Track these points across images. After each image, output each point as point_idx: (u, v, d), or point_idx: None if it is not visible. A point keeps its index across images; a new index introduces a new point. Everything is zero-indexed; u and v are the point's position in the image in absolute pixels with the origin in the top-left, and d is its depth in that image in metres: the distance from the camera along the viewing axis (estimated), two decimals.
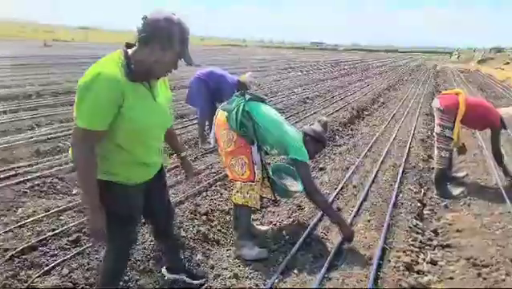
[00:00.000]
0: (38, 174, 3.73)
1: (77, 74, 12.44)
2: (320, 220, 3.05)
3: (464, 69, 25.27)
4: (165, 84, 1.76)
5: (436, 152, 3.89)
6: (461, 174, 4.22)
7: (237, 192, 2.52)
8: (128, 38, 1.64)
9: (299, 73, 17.63)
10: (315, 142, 2.67)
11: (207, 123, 5.11)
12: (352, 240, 2.64)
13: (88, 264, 2.30)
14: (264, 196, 2.81)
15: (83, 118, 1.41)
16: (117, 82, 1.43)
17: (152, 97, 1.58)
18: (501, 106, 4.78)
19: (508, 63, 31.87)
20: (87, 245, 2.51)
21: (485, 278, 2.33)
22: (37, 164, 4.10)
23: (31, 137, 5.13)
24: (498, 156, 3.85)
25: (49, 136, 5.18)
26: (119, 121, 1.47)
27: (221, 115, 2.55)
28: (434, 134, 3.96)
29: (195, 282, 2.23)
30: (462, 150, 4.07)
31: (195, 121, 6.14)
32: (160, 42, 1.47)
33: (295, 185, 2.91)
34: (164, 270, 2.28)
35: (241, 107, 2.43)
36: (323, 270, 2.32)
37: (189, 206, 3.17)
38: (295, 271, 2.35)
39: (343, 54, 48.64)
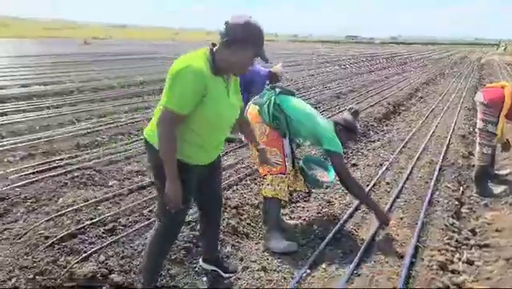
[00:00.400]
0: (77, 166, 3.94)
1: (115, 70, 13.02)
2: (351, 216, 3.00)
3: (511, 61, 23.68)
4: (236, 81, 1.93)
5: (477, 148, 3.68)
6: (504, 172, 3.98)
7: (268, 184, 2.57)
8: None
9: (335, 67, 17.32)
10: (347, 131, 2.70)
11: None
12: (388, 225, 2.69)
13: (123, 252, 2.40)
14: (298, 189, 2.86)
15: (173, 102, 1.63)
16: (203, 76, 1.64)
17: (227, 92, 1.79)
18: None
19: None
20: (122, 234, 2.63)
21: None
22: (76, 156, 4.34)
23: (71, 131, 5.43)
24: None
25: (88, 131, 5.46)
26: (198, 109, 1.68)
27: (252, 108, 2.61)
28: (476, 129, 3.74)
29: (226, 275, 2.29)
30: (506, 146, 3.81)
31: None
32: (241, 45, 1.68)
33: (326, 176, 2.91)
34: (201, 261, 2.36)
35: (272, 101, 2.51)
36: (353, 265, 2.28)
37: None
38: (323, 266, 2.32)
39: (380, 48, 47.16)
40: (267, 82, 4.90)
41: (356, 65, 19.24)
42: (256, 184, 3.68)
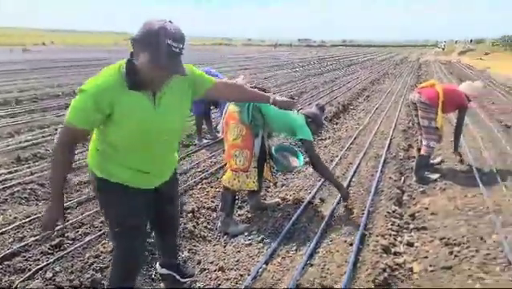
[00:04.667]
0: (18, 181, 3.70)
1: (58, 78, 12.32)
2: (303, 211, 3.11)
3: (446, 61, 25.74)
4: (182, 84, 1.66)
5: (424, 142, 3.92)
6: (436, 160, 4.34)
7: (235, 180, 2.86)
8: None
9: (288, 70, 17.73)
10: (314, 124, 3.07)
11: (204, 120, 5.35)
12: (348, 199, 3.14)
13: (72, 266, 2.31)
14: (266, 178, 3.26)
15: (68, 114, 1.49)
16: (106, 91, 1.45)
17: (152, 105, 1.54)
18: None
19: (487, 54, 32.64)
20: (71, 248, 2.52)
21: (456, 256, 2.43)
22: (17, 171, 4.07)
23: (10, 144, 5.08)
24: (458, 134, 4.11)
25: (29, 143, 5.14)
26: (112, 126, 1.51)
27: (232, 109, 2.87)
28: (421, 127, 3.97)
29: (184, 280, 2.28)
30: (439, 139, 4.15)
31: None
32: (138, 46, 1.44)
33: (295, 161, 3.28)
34: (157, 265, 2.34)
35: (251, 104, 2.78)
36: (305, 257, 2.38)
37: None
38: (279, 260, 2.40)
39: (330, 51, 49.06)
40: None
41: (308, 67, 19.85)
42: (212, 187, 3.70)
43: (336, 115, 7.46)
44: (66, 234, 2.71)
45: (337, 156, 4.65)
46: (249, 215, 3.25)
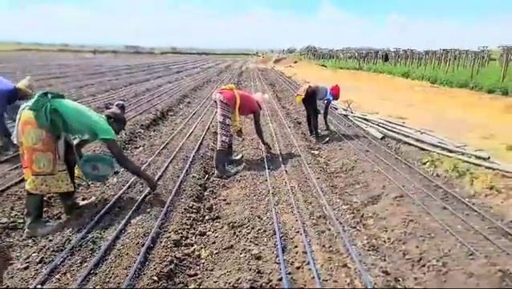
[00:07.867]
0: None
1: None
2: (97, 223, 3.00)
3: (263, 68, 29.41)
4: None
5: (219, 137, 4.44)
6: (237, 157, 4.94)
7: (42, 184, 2.84)
8: None
9: (110, 78, 16.63)
10: (117, 122, 3.29)
11: None
12: (156, 189, 3.53)
13: None
14: (79, 177, 3.29)
15: None
16: None
17: None
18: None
19: (296, 62, 39.13)
20: None
21: (237, 235, 2.83)
22: None
23: None
24: (260, 132, 4.96)
25: None
26: None
27: (26, 114, 2.79)
28: (218, 122, 4.49)
29: None
30: (240, 133, 4.83)
31: None
32: None
33: (108, 169, 3.36)
34: None
35: (48, 106, 2.79)
36: (89, 268, 2.31)
37: None
38: (58, 277, 2.25)
39: (160, 58, 48.68)
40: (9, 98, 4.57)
41: (133, 74, 19.17)
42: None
43: (154, 122, 7.49)
44: None
45: (146, 162, 4.67)
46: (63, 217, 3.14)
